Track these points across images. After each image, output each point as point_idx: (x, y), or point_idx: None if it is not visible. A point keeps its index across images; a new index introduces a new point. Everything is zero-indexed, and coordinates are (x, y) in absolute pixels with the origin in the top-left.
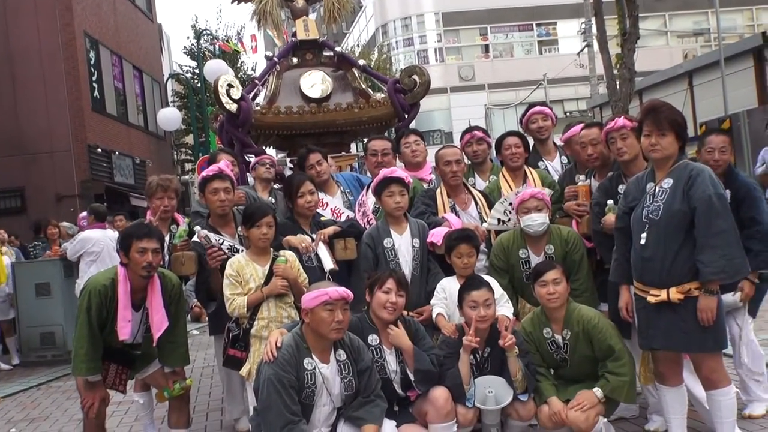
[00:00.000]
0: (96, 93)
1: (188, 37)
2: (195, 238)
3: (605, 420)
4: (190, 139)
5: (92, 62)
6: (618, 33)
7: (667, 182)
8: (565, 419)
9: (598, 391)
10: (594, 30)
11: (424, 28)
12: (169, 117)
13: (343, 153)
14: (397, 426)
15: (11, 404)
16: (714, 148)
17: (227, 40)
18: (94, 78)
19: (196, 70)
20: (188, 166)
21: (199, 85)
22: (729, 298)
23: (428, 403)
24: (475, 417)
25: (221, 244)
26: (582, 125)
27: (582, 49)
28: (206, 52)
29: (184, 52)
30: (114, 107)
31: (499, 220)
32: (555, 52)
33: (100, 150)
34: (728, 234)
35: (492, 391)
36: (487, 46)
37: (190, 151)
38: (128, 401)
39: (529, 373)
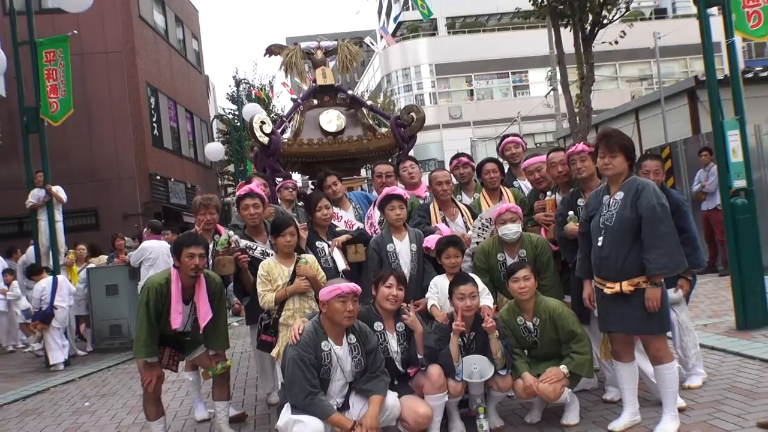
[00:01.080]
0: (155, 131)
1: (230, 86)
2: (223, 238)
3: (570, 390)
4: (231, 168)
5: (152, 106)
6: (578, 77)
7: (619, 195)
8: (536, 390)
9: (563, 368)
10: (558, 76)
11: (421, 76)
12: (215, 150)
13: (355, 176)
14: (399, 397)
15: (86, 383)
16: (649, 170)
17: (261, 88)
18: (154, 119)
19: (236, 112)
20: (230, 190)
21: (238, 124)
22: (671, 294)
23: (424, 378)
24: (463, 389)
25: (255, 249)
26: (535, 157)
27: (548, 92)
28: (244, 98)
29: (227, 98)
30: (170, 142)
31: (479, 228)
32: (527, 94)
33: (158, 177)
34: (669, 236)
35: (477, 367)
36: (472, 91)
37: (231, 178)
38: (180, 380)
39: (507, 352)
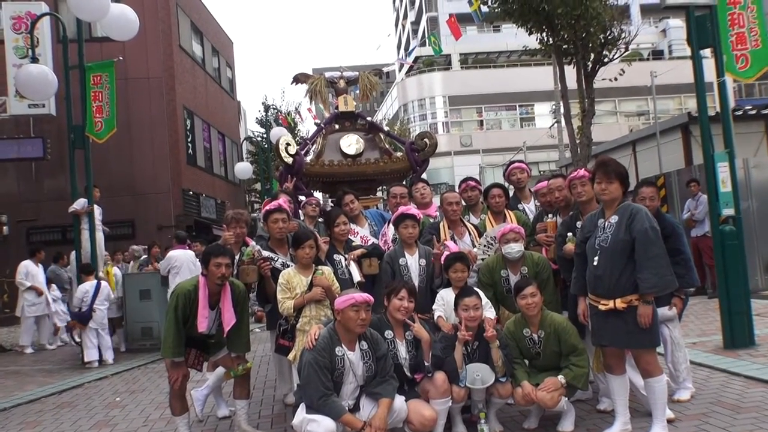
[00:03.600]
0: (190, 150)
1: (259, 110)
2: (249, 250)
3: (566, 399)
4: (258, 186)
5: (188, 128)
6: (579, 111)
7: (614, 218)
8: (535, 398)
9: (561, 378)
10: (561, 109)
11: (435, 107)
12: (243, 169)
13: (371, 196)
14: (406, 401)
15: (118, 380)
16: (645, 196)
17: (288, 114)
18: (189, 139)
19: (264, 135)
20: (256, 206)
21: (266, 146)
22: (665, 312)
23: (430, 384)
24: (466, 395)
25: (276, 261)
26: (545, 181)
27: (552, 125)
28: (272, 122)
29: (256, 122)
30: (203, 161)
31: (484, 246)
32: (533, 126)
33: (191, 192)
34: (660, 258)
35: (479, 375)
36: (482, 121)
37: (258, 195)
38: (204, 380)
39: (507, 361)
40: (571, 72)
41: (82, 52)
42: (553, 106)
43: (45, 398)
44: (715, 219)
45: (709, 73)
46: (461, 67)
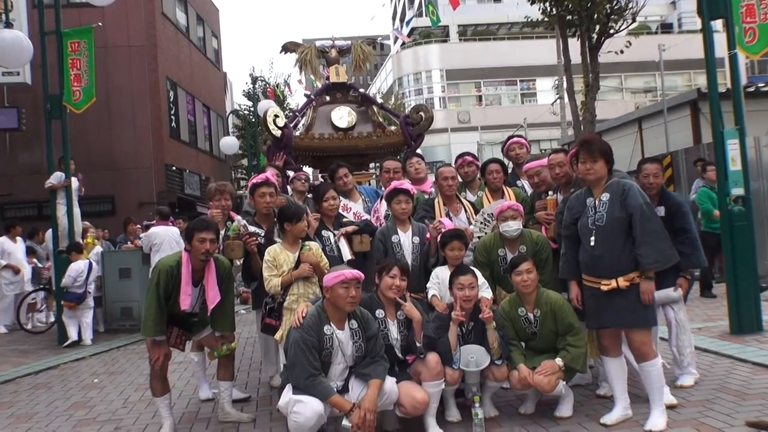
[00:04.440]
0: (173, 124)
1: (246, 83)
2: (234, 225)
3: (564, 383)
4: (244, 162)
5: (171, 100)
6: (583, 85)
7: (605, 196)
8: (532, 382)
9: (559, 361)
10: (564, 84)
11: (431, 81)
12: (230, 143)
13: (363, 171)
14: (397, 383)
15: (96, 361)
16: (649, 173)
17: (276, 86)
18: (172, 112)
19: (252, 109)
20: (242, 183)
21: (253, 120)
22: (670, 293)
23: (422, 365)
24: (460, 377)
25: (262, 236)
26: (535, 161)
27: (555, 101)
28: (260, 94)
29: (243, 94)
30: (186, 135)
31: (480, 224)
32: (534, 102)
33: (174, 168)
34: (658, 233)
35: (473, 357)
36: (480, 97)
37: (244, 172)
38: (186, 361)
39: (503, 342)
40: (575, 45)
41: (59, 16)
42: (556, 82)
43: (20, 379)
44: (724, 199)
45: (720, 48)
46: (459, 40)
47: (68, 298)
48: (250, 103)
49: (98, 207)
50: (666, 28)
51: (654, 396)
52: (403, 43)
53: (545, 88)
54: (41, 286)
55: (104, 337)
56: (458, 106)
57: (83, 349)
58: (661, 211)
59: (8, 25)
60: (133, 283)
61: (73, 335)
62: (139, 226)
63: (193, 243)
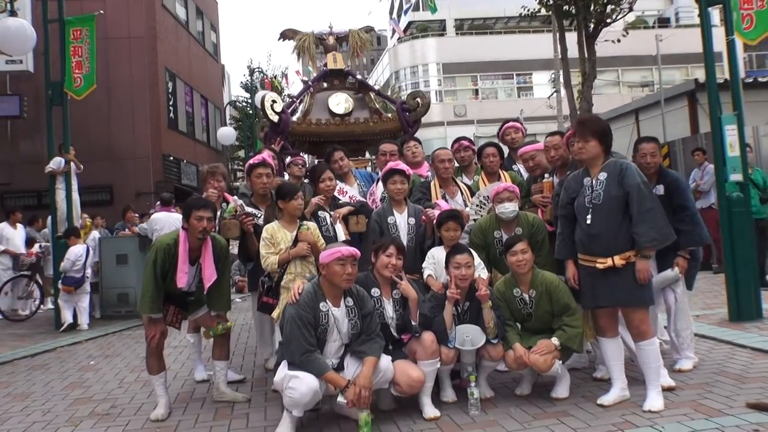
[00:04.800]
0: (171, 114)
1: (244, 75)
2: (231, 206)
3: (560, 363)
4: (242, 154)
5: (170, 91)
6: (579, 74)
7: (603, 175)
8: (527, 361)
9: (555, 340)
10: (561, 75)
11: (428, 74)
12: (227, 134)
13: (360, 157)
14: (393, 361)
15: (92, 345)
16: (646, 153)
17: (274, 78)
18: (170, 103)
19: (249, 101)
20: (239, 174)
21: (250, 111)
22: (669, 273)
23: (417, 344)
24: (455, 356)
25: (259, 217)
26: (530, 145)
27: (551, 94)
28: (258, 86)
29: (241, 86)
30: (184, 126)
31: (476, 206)
32: (530, 96)
33: (172, 158)
34: (656, 211)
35: (469, 336)
36: (477, 90)
37: (241, 163)
38: (182, 346)
39: (499, 322)
40: (571, 38)
41: (62, 5)
42: (553, 75)
43: (17, 361)
44: (722, 185)
45: (718, 43)
46: (456, 33)
47: (66, 282)
48: (247, 95)
49: (96, 196)
50: (663, 22)
51: (651, 376)
52: (400, 37)
53: (542, 81)
54: (22, 273)
55: (100, 323)
56: (455, 100)
57: (80, 333)
58: (660, 189)
59: (12, 13)
60: (129, 270)
61: (68, 318)
62: (137, 214)
63: (190, 221)
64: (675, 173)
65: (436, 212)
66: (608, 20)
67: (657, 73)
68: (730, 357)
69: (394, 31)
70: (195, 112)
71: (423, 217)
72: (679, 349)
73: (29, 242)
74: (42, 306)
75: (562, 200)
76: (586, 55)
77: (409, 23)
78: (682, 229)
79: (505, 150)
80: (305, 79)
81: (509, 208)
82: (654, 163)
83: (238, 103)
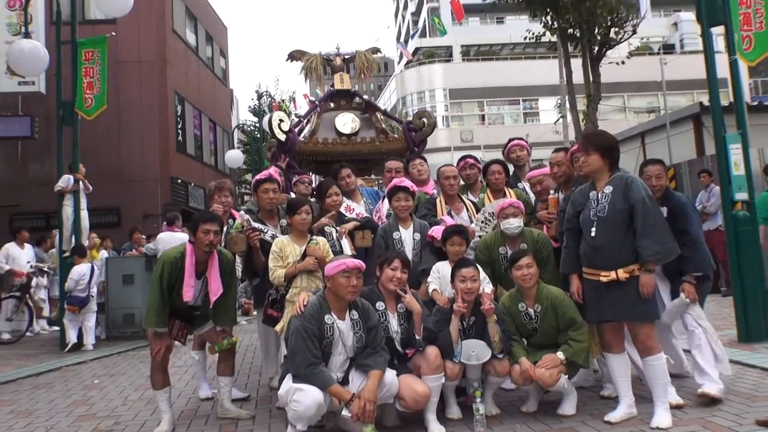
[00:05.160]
0: (180, 137)
1: (252, 99)
2: (238, 222)
3: (567, 379)
4: (249, 177)
5: (179, 114)
6: (585, 96)
7: (608, 189)
8: (533, 375)
9: (560, 354)
10: (567, 97)
11: (435, 100)
12: (234, 157)
13: (366, 177)
14: (397, 376)
15: (97, 365)
16: (651, 175)
17: (282, 102)
18: (179, 126)
19: (257, 124)
20: (246, 198)
21: (258, 135)
22: (677, 301)
23: (422, 359)
24: (460, 372)
25: (266, 233)
26: (538, 169)
27: (557, 120)
28: (266, 109)
29: (249, 110)
30: (193, 149)
31: (481, 222)
32: (536, 121)
33: (180, 181)
34: (660, 225)
35: (474, 351)
36: (483, 116)
37: (248, 186)
38: (186, 365)
39: (504, 336)
40: (576, 63)
41: (75, 25)
42: (558, 101)
43: (21, 380)
44: (728, 204)
45: (722, 69)
46: (463, 59)
47: (71, 302)
48: (255, 119)
49: (104, 218)
50: (668, 49)
51: (658, 392)
52: (408, 62)
53: (548, 107)
54: (11, 294)
55: (105, 344)
56: (461, 125)
57: (84, 353)
58: (663, 212)
59: (27, 36)
60: (135, 290)
61: (72, 338)
62: (144, 236)
63: (197, 234)
64: (681, 197)
65: (447, 222)
66: (612, 43)
67: (662, 99)
68: (740, 376)
69: (401, 56)
70: (203, 135)
71: (429, 233)
72: (702, 372)
73: (38, 262)
74: (31, 328)
75: (568, 214)
76: (590, 78)
77: (416, 49)
78: (683, 254)
79: (511, 168)
80: (312, 99)
81: (514, 224)
82: (660, 186)
83: (246, 127)
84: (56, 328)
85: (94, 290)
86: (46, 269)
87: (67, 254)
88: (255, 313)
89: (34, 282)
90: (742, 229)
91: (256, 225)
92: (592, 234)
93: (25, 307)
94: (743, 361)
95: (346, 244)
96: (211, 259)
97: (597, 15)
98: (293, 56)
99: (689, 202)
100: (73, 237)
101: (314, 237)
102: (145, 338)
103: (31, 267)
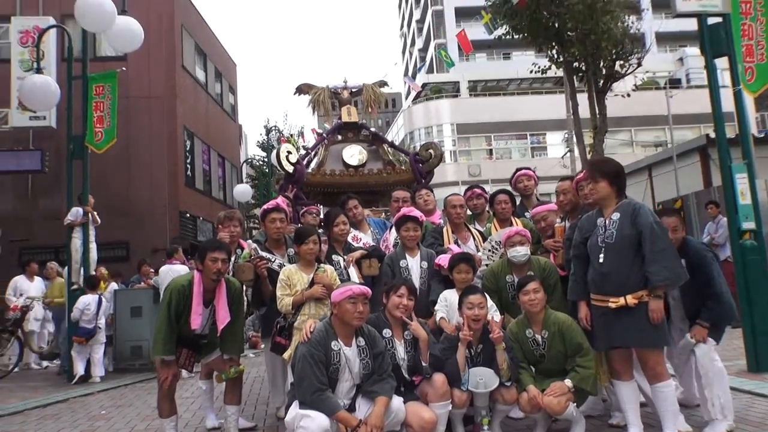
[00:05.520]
0: (189, 172)
1: (261, 134)
2: (246, 252)
3: (575, 406)
4: (257, 212)
5: (188, 149)
6: (591, 129)
7: (616, 215)
8: (541, 403)
9: (568, 382)
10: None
11: (443, 135)
12: (243, 191)
13: (373, 208)
14: (404, 403)
15: (104, 396)
16: (667, 227)
17: (291, 136)
18: (188, 161)
19: (265, 159)
20: (254, 233)
21: (267, 170)
22: (683, 342)
23: (428, 386)
24: (468, 399)
25: (273, 262)
26: (543, 205)
27: (564, 154)
28: (275, 143)
29: (257, 145)
30: (201, 184)
31: (488, 251)
32: (544, 155)
33: (188, 215)
34: (668, 251)
35: (482, 379)
36: (491, 150)
37: (257, 221)
38: (194, 397)
39: (512, 364)
40: (583, 97)
41: (86, 60)
42: (566, 135)
43: (28, 411)
44: (735, 234)
45: (728, 102)
46: (470, 95)
47: (78, 333)
48: (264, 154)
49: (113, 252)
50: (674, 83)
51: (667, 419)
52: (416, 96)
53: (555, 141)
54: (2, 328)
55: (113, 376)
56: (469, 160)
57: (92, 385)
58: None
59: (39, 71)
60: (143, 322)
61: (79, 370)
62: (152, 269)
63: (205, 262)
64: (699, 245)
65: (453, 250)
66: (617, 75)
67: (669, 133)
68: (750, 406)
69: (409, 91)
70: (212, 170)
71: (436, 261)
72: (711, 409)
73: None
74: (19, 364)
75: (575, 240)
76: (596, 110)
77: (424, 85)
78: (705, 304)
79: (518, 198)
80: (320, 131)
81: (521, 251)
82: (676, 240)
83: (254, 162)
84: (46, 363)
85: (102, 322)
86: (37, 302)
87: (75, 287)
88: (263, 346)
89: (30, 315)
90: (749, 258)
91: (263, 254)
92: (600, 260)
93: (16, 340)
94: (754, 390)
95: (353, 272)
96: (218, 287)
97: (602, 48)
98: (301, 89)
99: (708, 250)
100: (82, 269)
101: (322, 265)
102: (152, 370)
103: (25, 300)
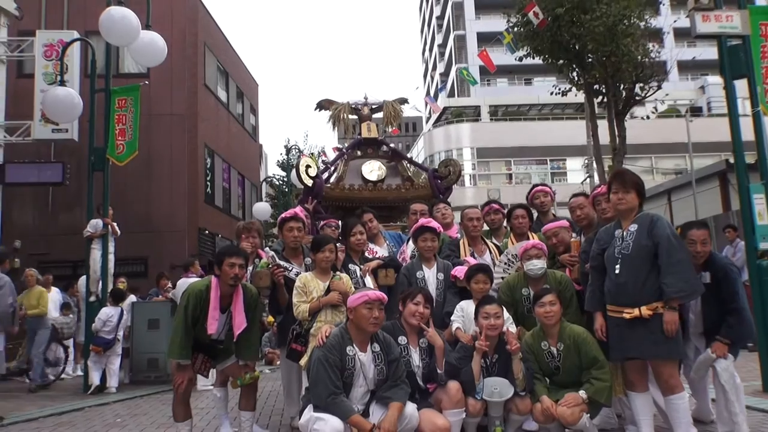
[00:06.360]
0: (208, 190)
1: (281, 153)
2: (264, 261)
3: (589, 417)
4: (275, 231)
5: (208, 167)
6: (611, 152)
7: (633, 227)
8: (555, 413)
9: (582, 393)
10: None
11: (462, 159)
12: (262, 209)
13: (391, 223)
14: (418, 410)
15: (119, 406)
16: (696, 240)
17: (311, 155)
18: (208, 178)
19: (285, 179)
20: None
21: (286, 189)
22: (702, 357)
23: (443, 393)
24: (482, 409)
25: (291, 271)
26: (554, 222)
27: (584, 179)
28: (294, 162)
29: (277, 164)
30: (221, 201)
31: (505, 264)
32: (564, 181)
33: (207, 232)
34: (684, 263)
35: (497, 388)
36: (511, 175)
37: (274, 240)
38: (209, 407)
39: (528, 374)
40: (603, 126)
41: (110, 73)
42: (586, 161)
43: (43, 418)
44: (752, 254)
45: (747, 131)
46: (491, 119)
47: (96, 343)
48: (284, 173)
49: (131, 268)
50: (695, 111)
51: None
52: (437, 120)
53: (575, 167)
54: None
55: (129, 387)
56: (489, 184)
57: (108, 395)
58: (706, 277)
59: (62, 84)
60: (161, 334)
61: (95, 380)
62: (170, 283)
63: (222, 268)
64: (725, 260)
65: (470, 262)
66: (637, 97)
67: (689, 161)
68: (764, 423)
69: (430, 113)
70: (232, 188)
71: (453, 272)
72: (740, 422)
73: (64, 307)
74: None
75: (593, 252)
76: (616, 132)
77: (444, 109)
78: (727, 320)
79: (534, 214)
80: (339, 146)
81: (537, 265)
82: (704, 253)
83: (274, 181)
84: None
85: (120, 333)
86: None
87: (93, 299)
88: (279, 362)
89: None
90: (766, 279)
91: (281, 262)
92: (616, 271)
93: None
94: None
95: (369, 281)
96: (235, 293)
97: (622, 70)
98: (322, 105)
99: (733, 265)
100: (100, 282)
101: (338, 273)
102: (169, 383)
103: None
